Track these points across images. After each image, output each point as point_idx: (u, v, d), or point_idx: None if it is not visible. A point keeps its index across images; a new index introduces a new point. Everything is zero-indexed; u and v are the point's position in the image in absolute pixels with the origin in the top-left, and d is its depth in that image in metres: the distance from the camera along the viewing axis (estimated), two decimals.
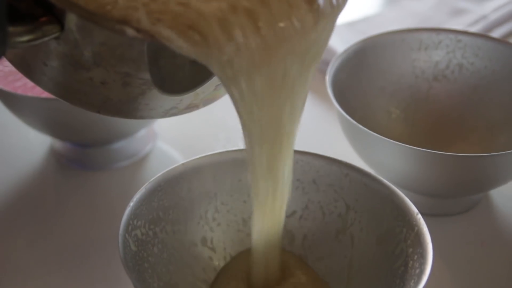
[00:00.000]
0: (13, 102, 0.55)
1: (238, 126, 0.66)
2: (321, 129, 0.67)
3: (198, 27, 0.30)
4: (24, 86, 0.56)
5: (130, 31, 0.31)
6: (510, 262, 0.52)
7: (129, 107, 0.38)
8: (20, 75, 0.57)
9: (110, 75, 0.35)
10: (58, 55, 0.35)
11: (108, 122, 0.57)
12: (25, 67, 0.38)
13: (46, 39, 0.33)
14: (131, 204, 0.42)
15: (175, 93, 0.38)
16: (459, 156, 0.48)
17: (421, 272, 0.39)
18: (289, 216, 0.49)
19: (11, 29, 0.31)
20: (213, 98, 0.41)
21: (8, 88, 0.55)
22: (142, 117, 0.39)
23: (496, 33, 0.78)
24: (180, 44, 0.30)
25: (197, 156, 0.47)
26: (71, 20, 0.33)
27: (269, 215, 0.40)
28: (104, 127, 0.57)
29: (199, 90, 0.39)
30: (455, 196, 0.55)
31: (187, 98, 0.39)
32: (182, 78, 0.37)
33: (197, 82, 0.38)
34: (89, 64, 0.35)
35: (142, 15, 0.30)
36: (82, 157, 0.61)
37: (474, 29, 0.78)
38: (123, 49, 0.34)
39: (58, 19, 0.33)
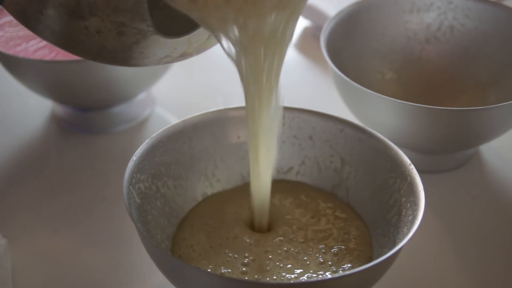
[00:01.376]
0: (15, 65, 0.56)
1: (235, 91, 0.67)
2: (316, 92, 0.69)
3: None
4: (25, 50, 0.57)
5: None
6: (499, 213, 0.54)
7: (124, 55, 0.39)
8: (21, 40, 0.58)
9: (105, 25, 0.36)
10: (54, 4, 0.36)
11: (109, 86, 0.58)
12: (21, 14, 0.38)
13: None
14: (134, 158, 0.43)
15: (172, 36, 0.38)
16: (450, 110, 0.50)
17: (414, 218, 0.40)
18: (286, 172, 0.50)
19: None
20: (205, 47, 0.42)
21: (10, 52, 0.56)
22: (136, 65, 0.40)
23: None
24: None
25: (197, 113, 0.48)
26: None
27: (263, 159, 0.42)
28: (105, 91, 0.58)
29: (193, 39, 0.40)
30: (447, 152, 0.56)
31: (181, 46, 0.40)
32: (179, 21, 0.38)
33: (193, 26, 0.39)
34: (84, 13, 0.35)
35: None
36: (83, 121, 0.63)
37: None
38: (118, 0, 0.35)
39: None
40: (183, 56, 0.41)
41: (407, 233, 0.39)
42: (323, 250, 0.44)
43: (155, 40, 0.38)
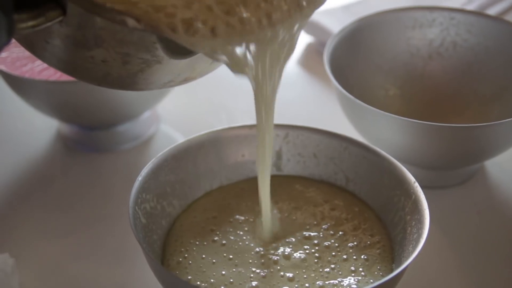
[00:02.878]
0: (21, 86, 0.57)
1: (239, 107, 0.68)
2: (320, 108, 0.69)
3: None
4: (31, 70, 0.57)
5: (131, 22, 0.33)
6: (504, 229, 0.54)
7: (129, 81, 0.40)
8: (27, 60, 0.58)
9: (110, 55, 0.37)
10: (60, 35, 0.36)
11: (113, 105, 0.58)
12: (28, 43, 0.39)
13: (49, 24, 0.34)
14: (139, 178, 0.44)
15: (178, 55, 0.39)
16: (454, 127, 0.50)
17: (419, 236, 0.40)
18: None
19: (15, 16, 0.32)
20: (208, 70, 0.43)
21: (16, 72, 0.57)
22: (141, 90, 0.41)
23: (492, 11, 0.79)
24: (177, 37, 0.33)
25: (202, 133, 0.48)
26: (74, 7, 0.34)
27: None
28: (110, 110, 0.59)
29: (197, 65, 0.40)
30: (451, 168, 0.56)
31: (185, 72, 0.41)
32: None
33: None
34: (90, 45, 0.36)
35: (144, 9, 0.32)
36: (88, 139, 0.63)
37: (470, 7, 0.79)
38: (123, 34, 0.36)
39: (60, 4, 0.34)
40: (186, 80, 0.42)
41: (412, 252, 0.40)
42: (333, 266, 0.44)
43: (160, 67, 0.39)
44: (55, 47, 0.38)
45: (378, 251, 0.44)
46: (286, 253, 0.44)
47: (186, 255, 0.44)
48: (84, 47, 0.37)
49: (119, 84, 0.40)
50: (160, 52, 0.37)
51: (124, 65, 0.38)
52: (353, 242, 0.44)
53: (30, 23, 0.33)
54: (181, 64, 0.39)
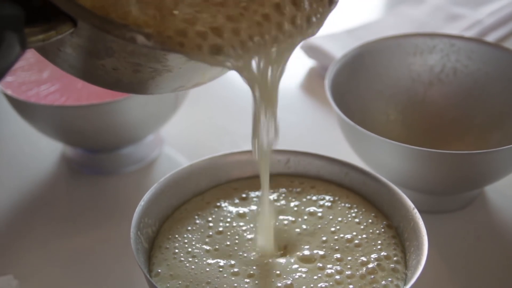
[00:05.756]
0: (27, 110, 0.58)
1: (241, 131, 0.69)
2: (321, 132, 0.69)
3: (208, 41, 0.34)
4: (37, 95, 0.58)
5: (140, 39, 0.33)
6: (505, 254, 0.54)
7: (140, 87, 0.40)
8: (33, 84, 0.59)
9: (121, 64, 0.37)
10: (72, 45, 0.37)
11: (118, 129, 0.59)
12: (40, 48, 0.40)
13: (60, 37, 0.34)
14: (142, 203, 0.44)
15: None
16: (454, 153, 0.50)
17: (417, 262, 0.41)
18: None
19: (26, 30, 0.33)
20: (218, 75, 0.43)
21: (22, 97, 0.57)
22: (151, 93, 0.42)
23: (491, 37, 0.81)
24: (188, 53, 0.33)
25: (204, 158, 0.49)
26: (84, 24, 0.35)
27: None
28: (114, 134, 0.60)
29: (207, 72, 0.41)
30: (451, 193, 0.57)
31: (195, 78, 0.41)
32: None
33: None
34: (101, 55, 0.37)
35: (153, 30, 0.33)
36: (92, 162, 0.64)
37: (469, 33, 0.80)
38: (134, 46, 0.36)
39: (71, 16, 0.34)
40: (197, 85, 0.42)
41: (411, 278, 0.40)
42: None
43: (170, 75, 0.39)
44: (67, 55, 0.38)
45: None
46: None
47: (189, 283, 0.44)
48: (95, 57, 0.37)
49: (130, 89, 0.41)
50: (171, 62, 0.37)
51: (135, 73, 0.38)
52: (352, 268, 0.45)
53: (41, 36, 0.33)
54: (191, 71, 0.40)
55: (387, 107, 0.64)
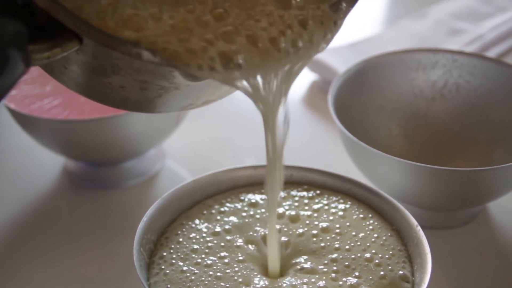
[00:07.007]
0: (30, 124, 0.58)
1: (244, 145, 0.69)
2: (324, 147, 0.69)
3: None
4: (40, 109, 0.58)
5: (146, 55, 0.33)
6: (508, 270, 0.54)
7: (147, 106, 0.40)
8: (36, 98, 0.59)
9: (128, 81, 0.37)
10: (77, 62, 0.37)
11: (120, 143, 0.59)
12: (46, 66, 0.39)
13: (65, 54, 0.34)
14: (145, 219, 0.44)
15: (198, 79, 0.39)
16: (457, 170, 0.50)
17: (421, 280, 0.41)
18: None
19: (31, 47, 0.33)
20: (228, 93, 0.43)
21: (24, 110, 0.57)
22: (159, 112, 0.41)
23: (493, 52, 0.81)
24: (194, 71, 0.33)
25: (207, 173, 0.49)
26: (89, 40, 0.34)
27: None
28: (116, 148, 0.60)
29: (217, 91, 0.41)
30: (454, 209, 0.57)
31: (204, 96, 0.41)
32: None
33: None
34: (107, 72, 0.37)
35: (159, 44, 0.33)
36: (95, 176, 0.64)
37: (471, 48, 0.80)
38: (140, 63, 0.36)
39: (76, 33, 0.34)
40: (206, 103, 0.42)
41: None
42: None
43: (178, 93, 0.39)
44: (73, 72, 0.38)
45: None
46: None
47: None
48: (101, 74, 0.37)
49: (138, 108, 0.40)
50: (178, 80, 0.37)
51: (142, 91, 0.38)
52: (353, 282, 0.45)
53: (46, 54, 0.33)
54: (199, 89, 0.40)
55: (389, 122, 0.64)
